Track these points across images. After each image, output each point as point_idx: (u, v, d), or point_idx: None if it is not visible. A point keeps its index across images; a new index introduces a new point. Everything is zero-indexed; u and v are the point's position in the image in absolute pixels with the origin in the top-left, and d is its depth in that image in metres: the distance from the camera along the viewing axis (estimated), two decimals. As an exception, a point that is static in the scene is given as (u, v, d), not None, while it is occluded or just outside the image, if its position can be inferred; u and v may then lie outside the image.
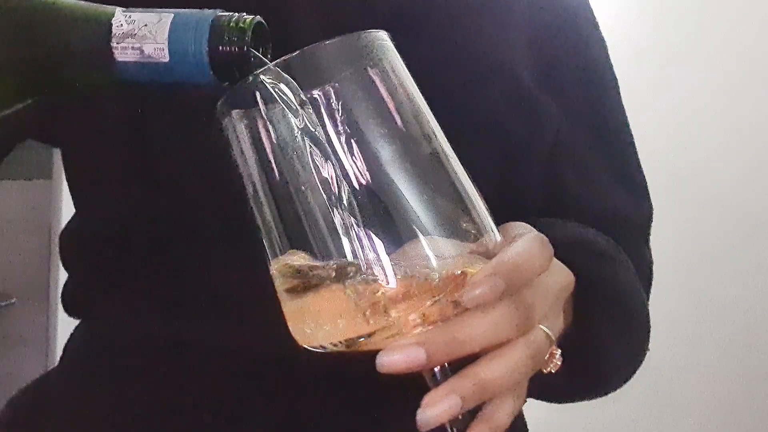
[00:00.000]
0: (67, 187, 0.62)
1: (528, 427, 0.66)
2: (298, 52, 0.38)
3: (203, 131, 0.46)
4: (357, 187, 0.37)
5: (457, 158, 0.40)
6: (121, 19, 0.38)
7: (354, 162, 0.37)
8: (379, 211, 0.37)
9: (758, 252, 1.93)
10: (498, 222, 0.42)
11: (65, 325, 0.66)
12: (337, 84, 0.38)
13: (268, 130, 0.38)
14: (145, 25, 0.37)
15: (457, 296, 0.37)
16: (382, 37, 0.40)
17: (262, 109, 0.38)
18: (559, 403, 0.59)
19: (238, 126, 0.39)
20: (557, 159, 0.63)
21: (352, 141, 0.37)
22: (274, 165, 0.38)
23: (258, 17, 0.38)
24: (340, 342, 0.38)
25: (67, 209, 1.73)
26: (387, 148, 0.38)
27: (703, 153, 1.92)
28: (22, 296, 1.90)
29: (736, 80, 1.93)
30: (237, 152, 0.40)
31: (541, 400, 0.57)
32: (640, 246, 0.67)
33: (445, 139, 0.40)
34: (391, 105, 0.38)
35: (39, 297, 1.81)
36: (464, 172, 0.40)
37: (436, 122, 0.40)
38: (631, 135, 0.69)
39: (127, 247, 0.58)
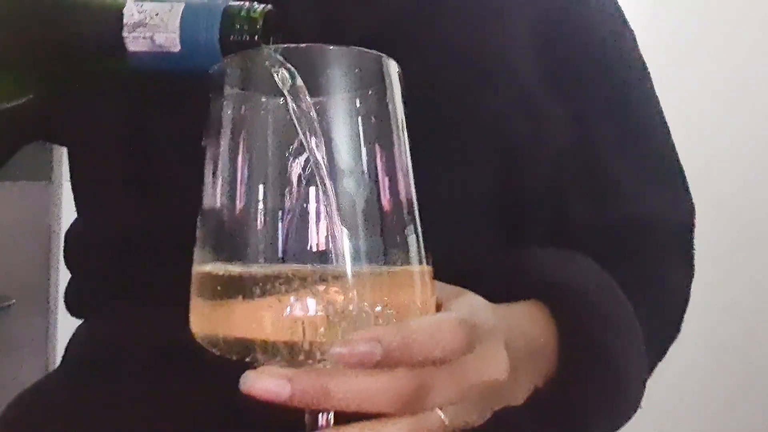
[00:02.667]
0: (67, 188, 0.62)
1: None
2: (304, 45, 0.37)
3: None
4: (311, 206, 0.36)
5: (417, 210, 0.39)
6: (132, 8, 0.38)
7: (319, 180, 0.36)
8: (323, 236, 0.36)
9: (758, 252, 1.93)
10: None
11: (65, 327, 0.66)
12: (330, 95, 0.37)
13: (248, 115, 0.38)
14: (157, 14, 0.37)
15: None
16: (392, 65, 0.39)
17: (244, 92, 0.38)
18: None
19: (222, 103, 0.38)
20: (563, 167, 0.62)
21: (325, 158, 0.36)
22: (241, 152, 0.37)
23: (269, 6, 0.38)
24: (236, 340, 0.37)
25: (66, 211, 1.73)
26: (356, 182, 0.37)
27: (703, 153, 1.92)
28: (21, 298, 1.90)
29: (736, 81, 1.94)
30: (211, 128, 0.39)
31: None
32: (676, 253, 0.65)
33: (413, 184, 0.39)
34: (376, 138, 0.38)
35: (38, 298, 1.81)
36: (420, 229, 0.39)
37: (411, 167, 0.39)
38: (667, 130, 0.66)
39: (129, 249, 0.58)
